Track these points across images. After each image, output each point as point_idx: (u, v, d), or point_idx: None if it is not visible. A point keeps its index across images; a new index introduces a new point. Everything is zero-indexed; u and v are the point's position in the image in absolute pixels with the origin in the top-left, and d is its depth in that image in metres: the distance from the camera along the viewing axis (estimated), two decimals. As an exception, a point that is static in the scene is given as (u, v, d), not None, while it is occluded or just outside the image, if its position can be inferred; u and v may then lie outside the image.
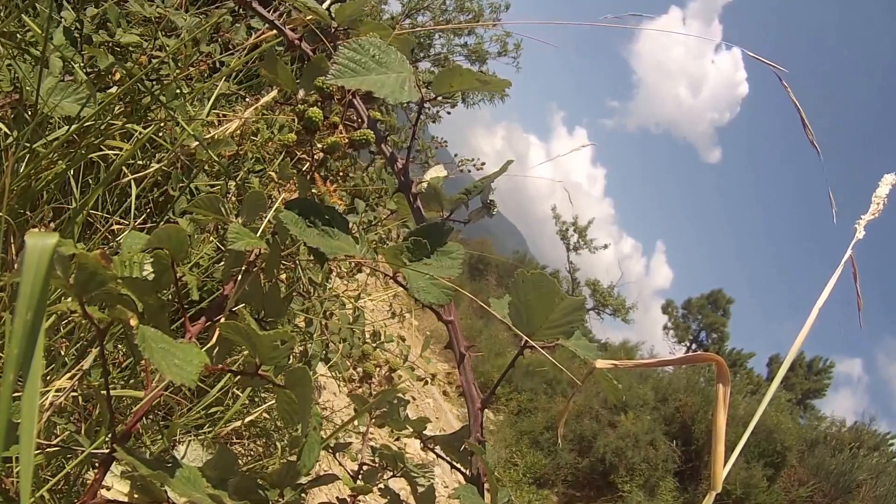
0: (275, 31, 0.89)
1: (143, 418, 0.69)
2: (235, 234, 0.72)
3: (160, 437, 1.43)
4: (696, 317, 21.83)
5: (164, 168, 1.55)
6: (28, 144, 1.16)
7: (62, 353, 1.16)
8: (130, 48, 1.63)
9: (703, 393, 9.30)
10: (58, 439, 1.08)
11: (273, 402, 1.82)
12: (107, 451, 0.63)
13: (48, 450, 0.95)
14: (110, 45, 1.59)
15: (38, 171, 1.20)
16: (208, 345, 0.74)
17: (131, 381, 1.28)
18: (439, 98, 0.78)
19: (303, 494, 0.79)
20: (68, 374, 1.09)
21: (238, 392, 1.68)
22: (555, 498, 8.44)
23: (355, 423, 0.97)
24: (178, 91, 1.54)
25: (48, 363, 1.14)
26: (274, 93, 1.59)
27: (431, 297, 0.74)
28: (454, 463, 0.85)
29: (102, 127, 1.34)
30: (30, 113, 1.21)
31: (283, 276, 1.90)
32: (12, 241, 1.13)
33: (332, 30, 0.86)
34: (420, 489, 0.90)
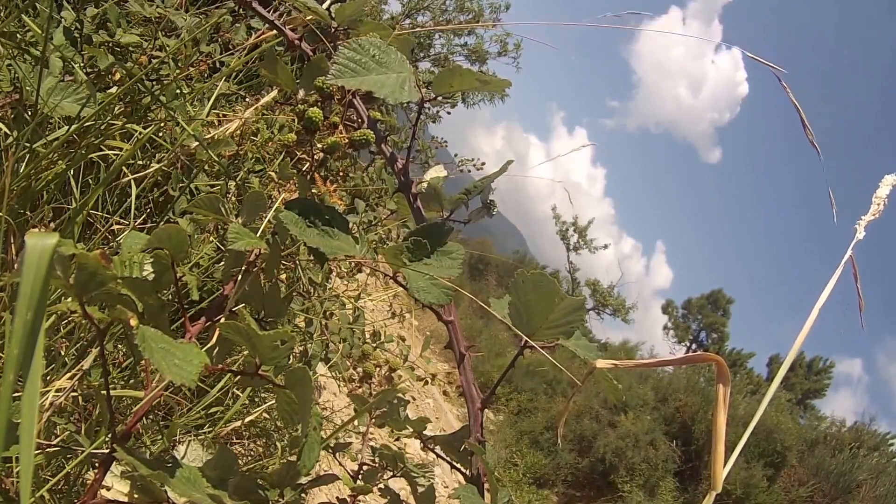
0: (275, 31, 0.89)
1: (143, 418, 0.69)
2: (235, 234, 0.72)
3: (160, 437, 1.43)
4: (696, 317, 21.83)
5: (164, 168, 1.55)
6: (28, 144, 1.16)
7: (62, 353, 1.16)
8: (130, 48, 1.63)
9: (703, 393, 9.30)
10: (58, 439, 1.08)
11: (273, 402, 1.82)
12: (107, 451, 0.63)
13: (48, 450, 0.95)
14: (110, 45, 1.59)
15: (38, 171, 1.20)
16: (208, 345, 0.74)
17: (131, 381, 1.28)
18: (439, 98, 0.78)
19: (303, 494, 0.79)
20: (68, 374, 1.09)
21: (238, 392, 1.68)
22: (555, 498, 8.44)
23: (355, 423, 0.97)
24: (178, 91, 1.54)
25: (48, 363, 1.14)
26: (274, 93, 1.59)
27: (431, 297, 0.74)
28: (454, 463, 0.85)
29: (102, 127, 1.34)
30: (30, 113, 1.21)
31: (283, 276, 1.90)
32: (12, 241, 1.13)
33: (332, 30, 0.86)
34: (420, 489, 0.90)
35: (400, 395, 0.99)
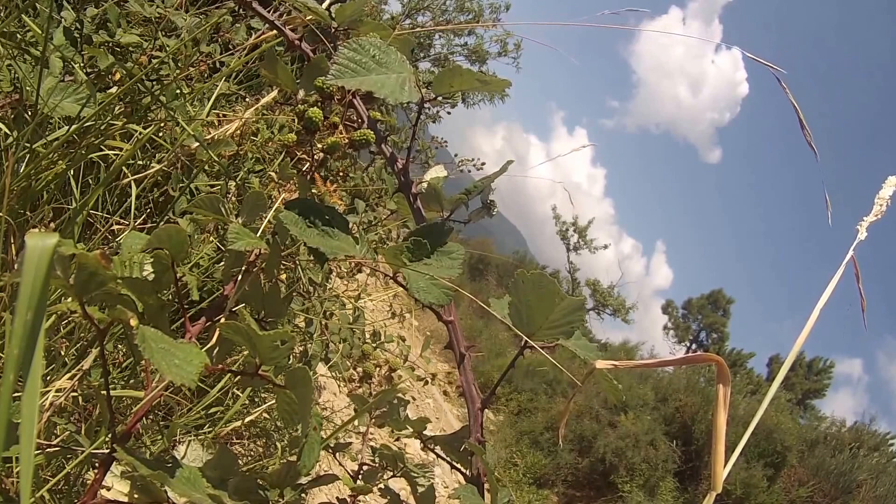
0: (275, 32, 0.89)
1: (143, 418, 0.69)
2: (235, 235, 0.72)
3: (160, 437, 1.43)
4: (696, 317, 21.84)
5: (164, 168, 1.55)
6: (28, 144, 1.16)
7: (62, 353, 1.16)
8: (130, 48, 1.63)
9: (703, 393, 9.30)
10: (58, 439, 1.08)
11: (273, 402, 1.82)
12: (107, 451, 0.63)
13: (48, 450, 0.95)
14: (110, 45, 1.59)
15: (38, 171, 1.20)
16: (208, 345, 0.74)
17: (131, 381, 1.28)
18: (439, 98, 0.78)
19: (303, 494, 0.79)
20: (68, 374, 1.09)
21: (238, 392, 1.68)
22: (555, 498, 8.44)
23: (355, 423, 0.97)
24: (178, 91, 1.54)
25: (48, 363, 1.14)
26: (274, 93, 1.59)
27: (431, 297, 0.74)
28: (454, 463, 0.85)
29: (102, 127, 1.34)
30: (30, 113, 1.21)
31: (283, 276, 1.90)
32: (12, 241, 1.13)
33: (332, 30, 0.86)
34: (420, 489, 0.90)
35: (400, 395, 0.99)
